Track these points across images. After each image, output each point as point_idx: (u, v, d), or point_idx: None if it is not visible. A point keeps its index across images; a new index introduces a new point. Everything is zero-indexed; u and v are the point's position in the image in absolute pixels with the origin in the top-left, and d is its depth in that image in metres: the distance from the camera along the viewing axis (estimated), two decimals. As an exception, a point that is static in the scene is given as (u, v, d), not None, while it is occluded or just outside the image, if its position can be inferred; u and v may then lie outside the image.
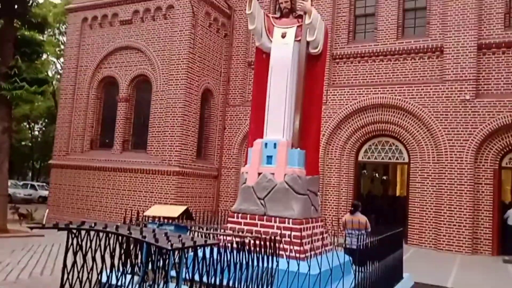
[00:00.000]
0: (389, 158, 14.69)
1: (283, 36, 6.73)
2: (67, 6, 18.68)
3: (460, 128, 12.99)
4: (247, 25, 6.91)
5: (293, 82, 6.52)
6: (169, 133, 14.84)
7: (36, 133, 38.86)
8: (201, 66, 15.72)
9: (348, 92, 14.81)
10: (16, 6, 13.39)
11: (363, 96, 14.51)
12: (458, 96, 13.07)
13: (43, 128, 38.09)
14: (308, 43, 6.54)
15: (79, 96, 16.83)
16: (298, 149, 6.15)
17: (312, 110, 6.68)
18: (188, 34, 15.07)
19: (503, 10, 13.29)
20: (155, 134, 15.12)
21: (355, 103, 14.60)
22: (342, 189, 14.73)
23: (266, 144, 6.23)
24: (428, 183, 13.45)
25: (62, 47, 30.31)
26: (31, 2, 14.03)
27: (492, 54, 13.15)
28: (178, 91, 14.88)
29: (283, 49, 6.67)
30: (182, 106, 14.79)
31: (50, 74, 32.23)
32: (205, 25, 15.95)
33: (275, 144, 6.15)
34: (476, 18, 13.29)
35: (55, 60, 33.29)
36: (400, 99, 13.93)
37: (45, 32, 21.66)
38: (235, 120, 16.63)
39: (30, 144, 36.37)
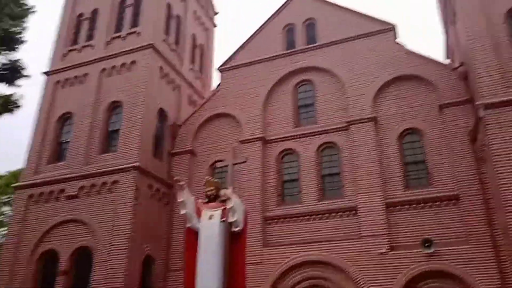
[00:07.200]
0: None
1: (210, 217, 8.21)
2: (13, 184, 19.60)
3: (382, 279, 14.34)
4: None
5: (220, 256, 7.78)
6: (109, 305, 14.84)
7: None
8: (143, 234, 16.60)
9: (281, 251, 16.08)
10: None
11: (295, 254, 15.81)
12: (375, 250, 14.76)
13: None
14: (230, 223, 8.04)
15: (16, 272, 16.67)
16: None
17: (238, 280, 7.89)
18: (131, 205, 16.30)
19: (401, 174, 16.01)
20: (95, 306, 15.03)
21: (288, 261, 15.78)
22: None
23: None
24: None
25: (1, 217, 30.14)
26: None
27: (398, 211, 15.40)
28: (120, 261, 15.39)
29: (210, 229, 8.08)
30: (122, 276, 15.15)
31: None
32: (147, 196, 17.36)
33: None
34: (381, 182, 15.81)
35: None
36: (327, 255, 15.36)
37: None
38: (177, 285, 16.96)
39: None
